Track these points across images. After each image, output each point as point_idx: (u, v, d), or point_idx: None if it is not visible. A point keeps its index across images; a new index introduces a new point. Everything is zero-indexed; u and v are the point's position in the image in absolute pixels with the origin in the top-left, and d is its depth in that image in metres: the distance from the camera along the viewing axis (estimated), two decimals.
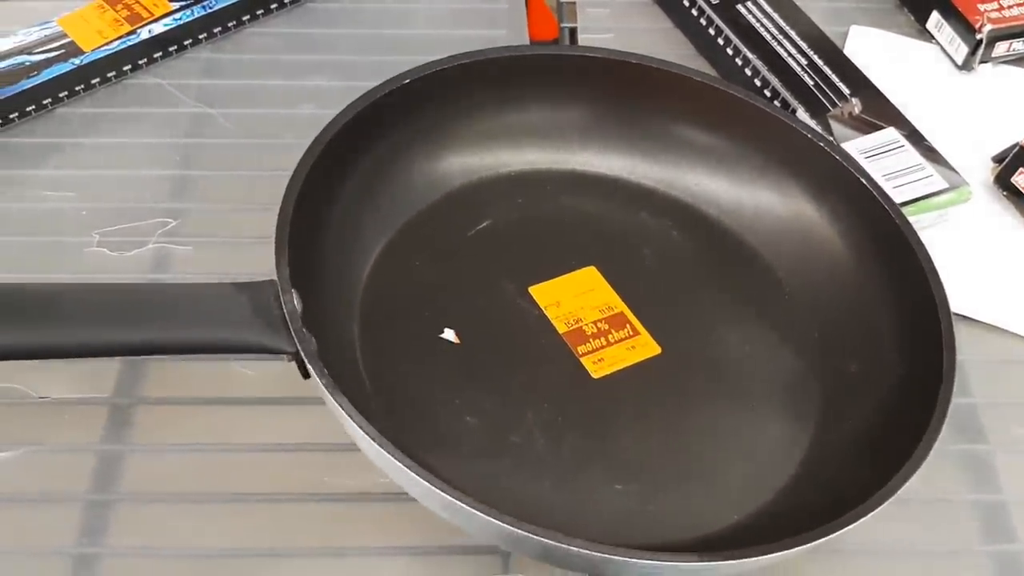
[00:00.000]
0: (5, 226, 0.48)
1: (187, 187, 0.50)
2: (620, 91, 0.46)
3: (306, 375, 0.37)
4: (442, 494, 0.33)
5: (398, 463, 0.33)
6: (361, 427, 0.34)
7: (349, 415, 0.34)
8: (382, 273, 0.43)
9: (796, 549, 0.34)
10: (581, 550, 0.32)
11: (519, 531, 0.32)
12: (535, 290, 0.43)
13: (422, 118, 0.45)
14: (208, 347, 0.38)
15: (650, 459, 0.40)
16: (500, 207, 0.46)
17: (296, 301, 0.37)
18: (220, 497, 0.40)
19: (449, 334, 0.41)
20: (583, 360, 0.41)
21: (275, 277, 0.37)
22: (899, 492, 0.35)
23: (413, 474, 0.33)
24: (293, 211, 0.38)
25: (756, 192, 0.46)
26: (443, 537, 0.38)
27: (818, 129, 0.49)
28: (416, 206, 0.45)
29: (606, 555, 0.32)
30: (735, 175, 0.47)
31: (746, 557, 0.33)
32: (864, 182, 0.43)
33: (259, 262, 0.46)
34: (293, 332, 0.36)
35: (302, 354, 0.36)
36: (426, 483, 0.33)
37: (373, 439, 0.34)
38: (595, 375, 0.41)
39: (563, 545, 0.32)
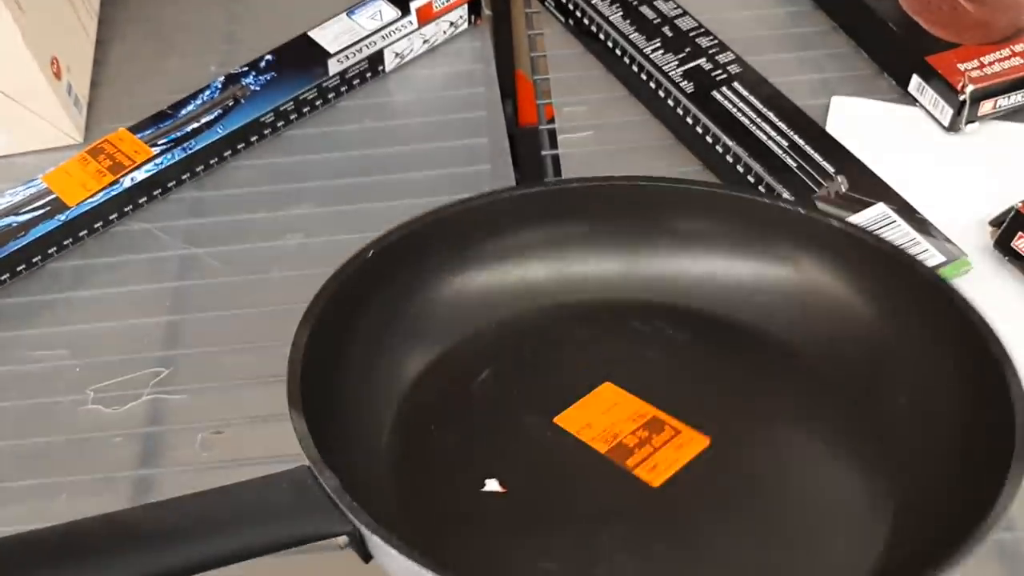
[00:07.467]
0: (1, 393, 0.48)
1: (179, 333, 0.50)
2: (613, 211, 0.46)
3: (367, 557, 0.35)
4: None
5: None
6: None
7: None
8: (401, 442, 0.41)
9: None
10: None
11: None
12: (561, 419, 0.42)
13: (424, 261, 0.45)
14: (261, 549, 0.35)
15: (743, 551, 0.38)
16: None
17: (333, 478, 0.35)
18: None
19: (492, 484, 0.40)
20: (636, 472, 0.40)
21: (307, 462, 0.35)
22: None
23: None
24: (301, 384, 0.37)
25: (758, 272, 0.46)
26: None
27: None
28: (425, 357, 0.44)
29: None
30: (731, 261, 0.46)
31: None
32: (882, 247, 0.43)
33: (256, 405, 0.46)
34: (345, 508, 0.34)
35: (362, 529, 0.34)
36: None
37: None
38: (655, 484, 0.40)
39: None
